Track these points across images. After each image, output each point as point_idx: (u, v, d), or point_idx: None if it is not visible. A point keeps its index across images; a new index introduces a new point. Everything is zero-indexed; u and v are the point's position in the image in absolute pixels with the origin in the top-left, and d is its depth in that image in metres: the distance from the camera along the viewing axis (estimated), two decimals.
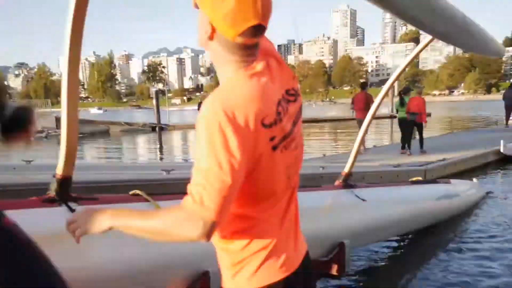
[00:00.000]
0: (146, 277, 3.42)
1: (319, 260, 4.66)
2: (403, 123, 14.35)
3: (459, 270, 5.67)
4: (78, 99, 3.04)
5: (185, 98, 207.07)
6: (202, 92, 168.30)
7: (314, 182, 7.35)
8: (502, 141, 14.58)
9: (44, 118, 36.82)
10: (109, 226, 1.69)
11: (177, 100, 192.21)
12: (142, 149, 25.11)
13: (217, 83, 1.72)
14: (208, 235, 1.53)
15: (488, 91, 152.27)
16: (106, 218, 1.69)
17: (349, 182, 5.32)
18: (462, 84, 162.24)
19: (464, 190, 8.11)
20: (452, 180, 8.10)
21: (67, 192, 3.04)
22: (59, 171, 3.02)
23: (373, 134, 30.04)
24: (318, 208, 4.61)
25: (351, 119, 46.02)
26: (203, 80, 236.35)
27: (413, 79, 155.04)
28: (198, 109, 34.27)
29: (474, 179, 9.72)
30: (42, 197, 3.00)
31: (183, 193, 1.56)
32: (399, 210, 5.85)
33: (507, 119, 24.67)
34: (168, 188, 6.06)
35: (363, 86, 16.38)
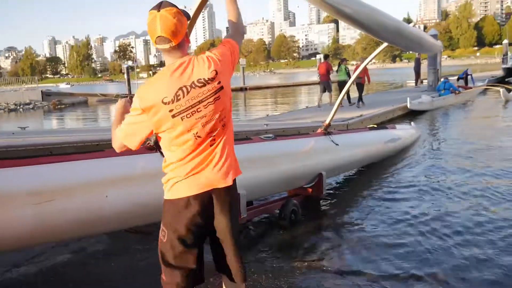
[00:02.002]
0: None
1: (305, 186, 5.54)
2: (342, 84, 14.93)
3: (393, 185, 6.60)
4: None
5: (150, 72, 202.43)
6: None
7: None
8: (408, 99, 15.03)
9: (31, 92, 35.35)
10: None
11: (144, 74, 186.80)
12: None
13: None
14: (117, 150, 2.38)
15: (394, 60, 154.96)
16: (113, 119, 2.45)
17: (328, 130, 6.09)
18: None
19: (405, 133, 8.85)
20: (397, 126, 9.04)
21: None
22: None
23: (306, 97, 30.16)
24: (306, 149, 5.49)
25: (288, 85, 46.38)
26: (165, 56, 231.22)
27: (335, 52, 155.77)
28: None
29: (412, 123, 10.54)
30: (145, 146, 3.60)
31: None
32: (359, 151, 6.70)
33: (416, 81, 25.56)
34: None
35: (325, 57, 17.29)
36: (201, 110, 2.22)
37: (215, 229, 2.39)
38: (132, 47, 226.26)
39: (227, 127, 2.37)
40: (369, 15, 3.67)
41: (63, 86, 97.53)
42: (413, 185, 6.51)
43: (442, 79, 19.69)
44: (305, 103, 23.00)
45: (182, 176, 2.28)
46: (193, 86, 2.20)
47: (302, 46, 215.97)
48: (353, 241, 4.55)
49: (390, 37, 4.30)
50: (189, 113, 2.20)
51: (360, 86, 15.55)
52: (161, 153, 3.70)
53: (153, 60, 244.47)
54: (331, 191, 6.44)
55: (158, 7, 2.19)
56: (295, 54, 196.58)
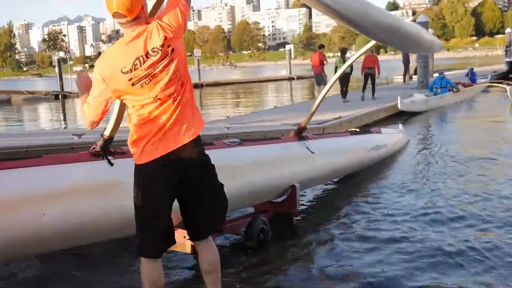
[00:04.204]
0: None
1: (275, 202, 5.58)
2: (344, 77, 15.69)
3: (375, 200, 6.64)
4: None
5: (87, 65, 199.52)
6: None
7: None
8: (399, 98, 14.69)
9: None
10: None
11: (79, 68, 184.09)
12: (46, 117, 23.90)
13: None
14: (89, 127, 3.02)
15: (378, 52, 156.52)
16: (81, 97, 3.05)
17: (303, 134, 6.03)
18: (354, 46, 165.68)
19: (392, 139, 8.93)
20: (382, 129, 9.07)
21: (108, 148, 3.82)
22: (107, 132, 3.72)
23: (274, 95, 30.39)
24: (277, 157, 5.54)
25: (252, 81, 46.58)
26: (104, 47, 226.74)
27: (308, 42, 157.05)
28: None
29: (400, 126, 10.51)
30: (90, 151, 3.82)
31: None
32: (338, 161, 6.73)
33: (404, 76, 25.80)
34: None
35: (320, 47, 18.16)
36: (157, 75, 2.78)
37: (188, 186, 2.95)
38: (64, 35, 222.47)
39: (186, 85, 2.92)
40: (361, 10, 3.51)
41: None
42: (398, 201, 6.45)
43: (436, 75, 19.38)
44: (273, 102, 23.20)
45: (148, 139, 2.82)
46: (149, 55, 2.74)
47: (269, 35, 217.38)
48: (330, 265, 4.61)
49: (384, 36, 4.15)
50: (147, 80, 2.76)
51: (372, 76, 16.95)
52: (109, 161, 3.89)
53: (89, 51, 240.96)
54: (306, 206, 6.47)
55: None
56: (260, 44, 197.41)
